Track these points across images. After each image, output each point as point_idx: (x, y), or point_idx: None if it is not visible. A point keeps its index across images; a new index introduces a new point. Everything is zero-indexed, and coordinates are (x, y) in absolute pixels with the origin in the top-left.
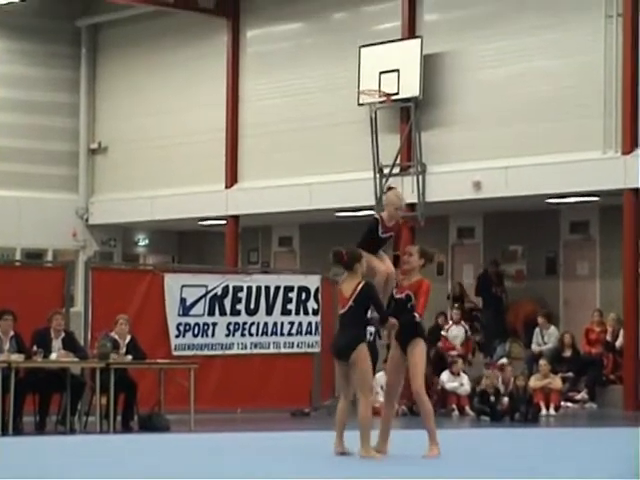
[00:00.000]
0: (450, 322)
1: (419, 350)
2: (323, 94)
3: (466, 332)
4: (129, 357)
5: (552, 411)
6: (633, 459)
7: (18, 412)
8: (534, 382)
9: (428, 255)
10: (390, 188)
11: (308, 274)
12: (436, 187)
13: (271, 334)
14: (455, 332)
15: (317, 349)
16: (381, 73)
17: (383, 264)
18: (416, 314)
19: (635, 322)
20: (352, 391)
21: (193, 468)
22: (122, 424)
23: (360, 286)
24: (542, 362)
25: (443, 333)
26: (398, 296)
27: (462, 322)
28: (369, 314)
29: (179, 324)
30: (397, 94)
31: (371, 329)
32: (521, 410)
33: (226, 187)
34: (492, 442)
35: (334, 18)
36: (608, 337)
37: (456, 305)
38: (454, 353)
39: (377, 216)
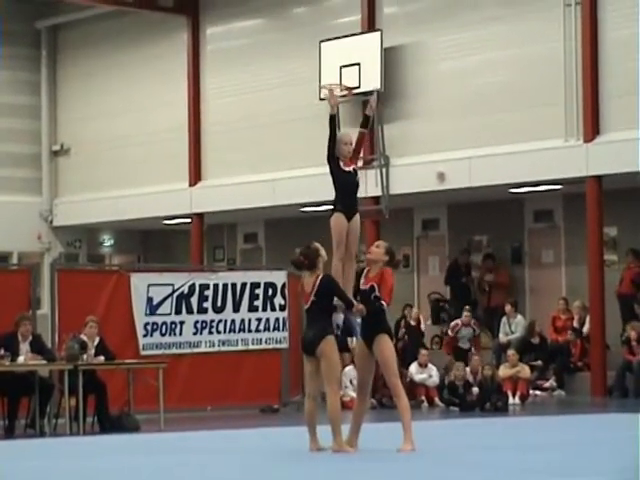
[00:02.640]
0: (459, 324)
1: (386, 346)
2: (284, 89)
3: (474, 331)
4: (101, 358)
5: (521, 400)
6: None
7: None
8: (503, 371)
9: (394, 256)
10: None
11: (274, 270)
12: (400, 179)
13: (239, 331)
14: (464, 333)
15: (285, 345)
16: (342, 67)
17: (341, 248)
18: (383, 302)
19: (601, 308)
20: (318, 388)
21: (164, 468)
22: (99, 426)
23: (319, 279)
24: (510, 351)
25: (450, 334)
26: (363, 287)
27: (472, 323)
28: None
29: (146, 323)
30: (358, 88)
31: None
32: (491, 400)
33: (190, 185)
34: (462, 433)
35: (294, 13)
36: (575, 324)
37: (467, 307)
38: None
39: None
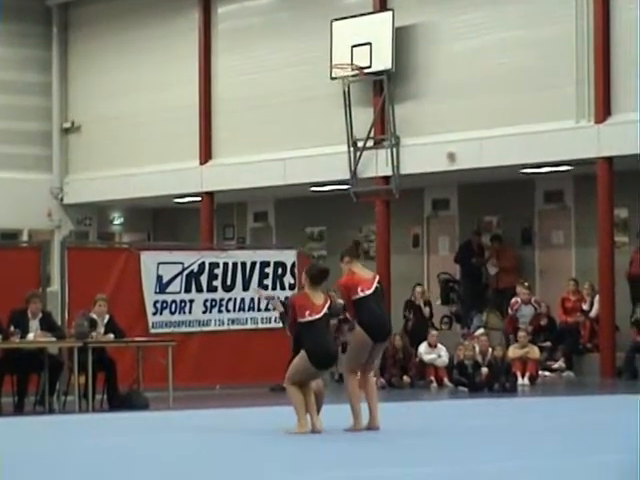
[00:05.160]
0: (519, 302)
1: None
2: (296, 69)
3: (535, 310)
4: (110, 336)
5: (530, 381)
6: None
7: None
8: (512, 352)
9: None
10: None
11: (284, 249)
12: (410, 159)
13: (248, 310)
14: (525, 311)
15: None
16: (353, 47)
17: None
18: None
19: (610, 290)
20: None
21: (173, 446)
22: (108, 403)
23: (329, 300)
24: (521, 332)
25: (510, 313)
26: None
27: (532, 301)
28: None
29: (156, 302)
30: (370, 67)
31: None
32: (500, 380)
33: (200, 164)
34: (472, 414)
35: None
36: (584, 306)
37: (526, 284)
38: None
39: None
